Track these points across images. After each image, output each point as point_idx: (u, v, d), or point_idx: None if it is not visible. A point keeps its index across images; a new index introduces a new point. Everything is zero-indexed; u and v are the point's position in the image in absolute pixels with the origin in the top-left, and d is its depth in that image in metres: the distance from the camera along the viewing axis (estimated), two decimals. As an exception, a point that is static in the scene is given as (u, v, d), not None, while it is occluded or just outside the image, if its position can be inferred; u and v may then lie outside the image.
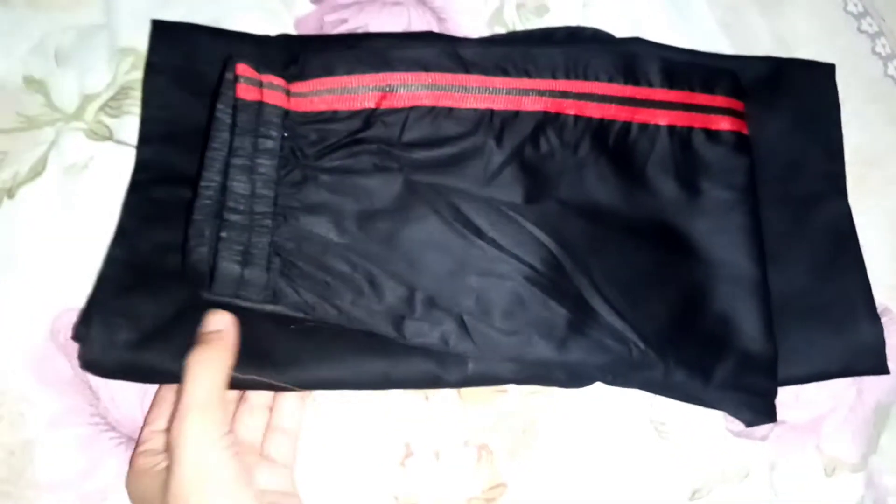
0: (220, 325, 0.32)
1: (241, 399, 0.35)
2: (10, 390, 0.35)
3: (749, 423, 0.36)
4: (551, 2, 0.45)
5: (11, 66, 0.40)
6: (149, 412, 0.34)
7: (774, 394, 0.35)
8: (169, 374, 0.32)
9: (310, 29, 0.42)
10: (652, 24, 0.45)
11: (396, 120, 0.35)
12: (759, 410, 0.35)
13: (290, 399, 0.35)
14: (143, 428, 0.34)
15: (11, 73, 0.40)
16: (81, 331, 0.33)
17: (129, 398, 0.36)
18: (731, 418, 0.37)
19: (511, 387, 0.37)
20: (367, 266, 0.33)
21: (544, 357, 0.34)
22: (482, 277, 0.34)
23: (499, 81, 0.36)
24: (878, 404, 0.39)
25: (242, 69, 0.32)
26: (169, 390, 0.34)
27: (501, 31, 0.43)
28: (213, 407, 0.29)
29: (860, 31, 0.48)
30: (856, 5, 0.48)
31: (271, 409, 0.35)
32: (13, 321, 0.36)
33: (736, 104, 0.38)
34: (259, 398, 0.35)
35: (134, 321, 0.33)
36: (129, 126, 0.38)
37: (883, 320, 0.39)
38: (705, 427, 0.38)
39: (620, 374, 0.35)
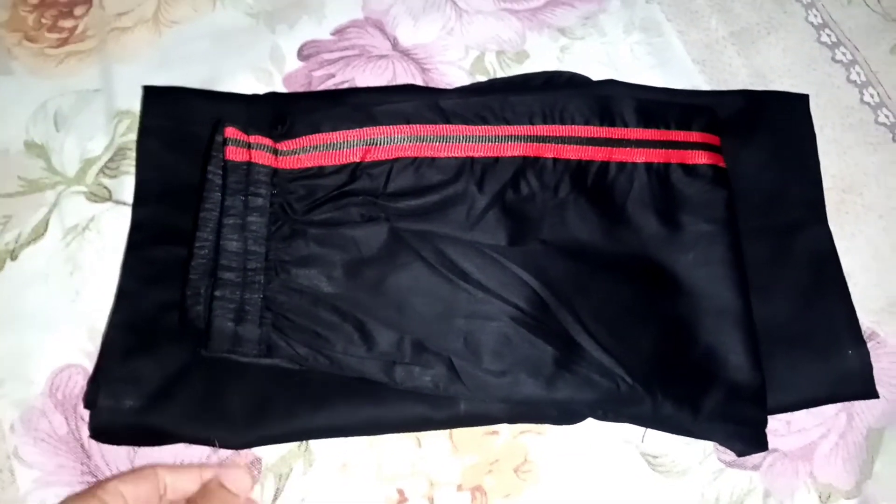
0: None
1: None
2: (2, 448, 0.35)
3: (741, 453, 0.36)
4: (530, 48, 0.46)
5: (14, 132, 0.41)
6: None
7: (764, 423, 0.35)
8: (173, 435, 0.33)
9: (298, 84, 0.43)
10: (628, 66, 0.46)
11: (381, 172, 0.36)
12: (749, 440, 0.35)
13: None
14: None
15: (14, 138, 0.41)
16: (91, 399, 0.34)
17: (119, 455, 0.35)
18: (722, 448, 0.37)
19: (502, 428, 0.37)
20: (356, 314, 0.34)
21: (533, 396, 0.34)
22: (469, 319, 0.35)
23: (478, 130, 0.38)
24: (870, 429, 0.39)
25: (231, 132, 0.34)
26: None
27: (482, 78, 0.44)
28: None
29: (834, 60, 0.48)
30: (829, 36, 0.49)
31: None
32: (12, 379, 0.36)
33: (712, 139, 0.39)
34: None
35: (138, 385, 0.33)
36: (127, 186, 0.40)
37: (869, 344, 0.39)
38: (697, 458, 0.38)
39: (610, 410, 0.36)
